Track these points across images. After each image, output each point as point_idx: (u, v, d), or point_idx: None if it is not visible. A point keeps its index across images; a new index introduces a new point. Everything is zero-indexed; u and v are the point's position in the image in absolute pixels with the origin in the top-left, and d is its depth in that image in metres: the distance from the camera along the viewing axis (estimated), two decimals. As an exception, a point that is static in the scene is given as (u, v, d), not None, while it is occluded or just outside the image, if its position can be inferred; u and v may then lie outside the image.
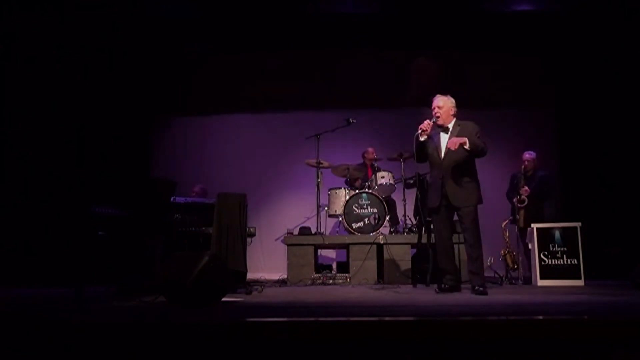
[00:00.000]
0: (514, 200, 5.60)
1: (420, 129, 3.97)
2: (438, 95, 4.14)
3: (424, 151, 4.09)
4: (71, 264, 5.28)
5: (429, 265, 4.81)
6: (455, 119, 4.10)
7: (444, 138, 4.06)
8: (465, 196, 3.97)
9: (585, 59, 7.09)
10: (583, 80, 7.15)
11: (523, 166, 5.71)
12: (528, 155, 5.79)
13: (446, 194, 3.99)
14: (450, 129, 4.06)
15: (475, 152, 3.90)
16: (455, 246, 4.42)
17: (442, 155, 4.03)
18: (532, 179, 5.68)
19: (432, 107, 4.09)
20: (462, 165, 3.97)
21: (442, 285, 4.10)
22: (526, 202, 5.50)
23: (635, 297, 3.37)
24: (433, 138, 4.09)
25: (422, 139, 4.00)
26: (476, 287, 3.84)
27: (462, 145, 3.82)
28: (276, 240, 7.13)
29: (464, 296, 3.76)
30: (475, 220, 3.99)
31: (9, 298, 3.94)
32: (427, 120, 3.99)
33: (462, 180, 3.97)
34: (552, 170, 6.70)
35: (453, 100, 4.12)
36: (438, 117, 4.03)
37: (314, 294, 4.05)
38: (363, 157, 6.81)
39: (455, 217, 4.18)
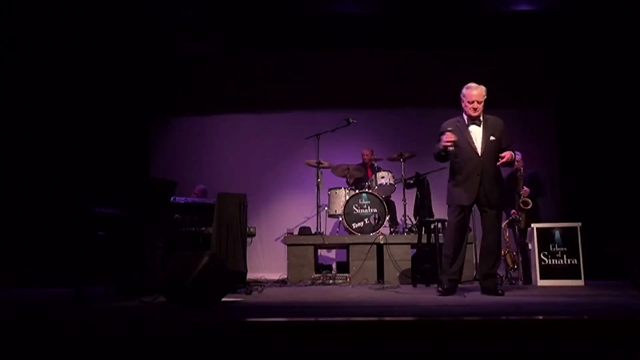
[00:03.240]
0: (520, 203, 5.51)
1: (446, 142, 3.67)
2: (473, 85, 3.82)
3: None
4: (71, 264, 5.28)
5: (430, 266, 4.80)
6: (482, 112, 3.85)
7: (476, 130, 3.79)
8: (500, 194, 3.81)
9: (585, 58, 7.10)
10: (583, 80, 7.15)
11: (515, 168, 5.66)
12: (516, 155, 5.72)
13: (484, 192, 3.71)
14: (482, 122, 3.81)
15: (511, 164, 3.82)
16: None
17: (480, 149, 3.75)
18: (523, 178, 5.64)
19: (471, 101, 3.76)
20: (496, 161, 3.75)
21: (445, 287, 3.80)
22: (530, 204, 5.44)
23: (635, 297, 3.36)
24: (462, 131, 3.78)
25: (451, 148, 3.69)
26: (494, 289, 3.72)
27: (504, 160, 3.67)
28: (276, 240, 7.13)
29: (500, 295, 3.71)
30: (501, 221, 3.91)
31: (9, 298, 3.94)
32: (449, 134, 3.69)
33: (497, 176, 3.80)
34: (549, 169, 6.71)
35: (485, 90, 3.84)
36: (477, 111, 3.76)
37: (314, 294, 4.05)
38: (362, 158, 6.81)
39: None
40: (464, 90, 3.85)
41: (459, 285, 3.99)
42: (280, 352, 1.90)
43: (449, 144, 3.68)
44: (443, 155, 3.84)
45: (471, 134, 3.81)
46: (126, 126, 7.27)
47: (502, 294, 3.65)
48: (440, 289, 3.83)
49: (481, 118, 3.83)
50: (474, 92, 3.79)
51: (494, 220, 3.79)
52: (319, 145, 6.26)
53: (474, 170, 3.75)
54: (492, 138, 3.79)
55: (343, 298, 3.66)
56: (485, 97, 3.84)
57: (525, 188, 5.53)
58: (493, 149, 3.76)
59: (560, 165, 7.43)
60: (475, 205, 3.85)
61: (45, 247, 5.99)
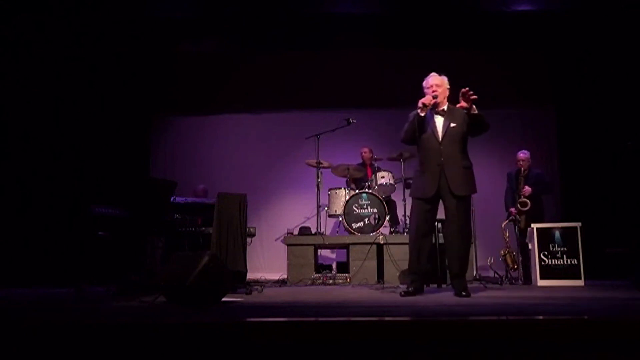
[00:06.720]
0: (518, 203, 5.53)
1: (422, 103, 3.64)
2: (433, 74, 3.84)
3: (420, 130, 3.73)
4: (71, 264, 5.29)
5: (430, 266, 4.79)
6: (447, 103, 3.84)
7: (439, 121, 3.77)
8: (466, 183, 3.68)
9: (586, 58, 7.10)
10: (584, 80, 7.15)
11: (519, 166, 5.67)
12: (522, 154, 5.73)
13: (446, 181, 3.63)
14: (446, 112, 3.78)
15: (480, 120, 3.64)
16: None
17: (441, 137, 3.71)
18: (528, 178, 5.65)
19: (429, 86, 3.78)
20: (461, 148, 3.73)
21: (408, 289, 3.70)
22: (529, 205, 5.45)
23: (635, 297, 3.36)
24: (428, 121, 3.77)
25: (422, 114, 3.64)
26: (460, 291, 3.58)
27: (467, 107, 3.57)
28: (276, 240, 7.13)
29: (465, 297, 3.72)
30: (469, 211, 3.72)
31: (9, 298, 3.94)
32: (429, 95, 3.70)
33: (462, 165, 3.70)
34: (549, 169, 6.68)
35: (447, 81, 3.85)
36: (437, 95, 3.73)
37: (314, 294, 4.05)
38: (361, 157, 6.81)
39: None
40: (424, 81, 3.86)
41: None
42: (280, 352, 1.90)
43: (427, 101, 3.66)
44: (417, 130, 3.72)
45: (435, 123, 3.79)
46: (126, 126, 7.27)
47: (466, 297, 3.51)
48: (402, 291, 3.71)
49: (445, 109, 3.81)
50: (431, 79, 3.81)
51: (458, 210, 3.65)
52: (319, 145, 6.25)
53: (434, 160, 3.71)
54: (452, 125, 3.73)
55: (343, 298, 3.66)
56: (448, 87, 3.85)
57: (526, 187, 5.53)
58: (454, 135, 3.71)
59: (560, 165, 7.42)
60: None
61: (45, 247, 6.00)
